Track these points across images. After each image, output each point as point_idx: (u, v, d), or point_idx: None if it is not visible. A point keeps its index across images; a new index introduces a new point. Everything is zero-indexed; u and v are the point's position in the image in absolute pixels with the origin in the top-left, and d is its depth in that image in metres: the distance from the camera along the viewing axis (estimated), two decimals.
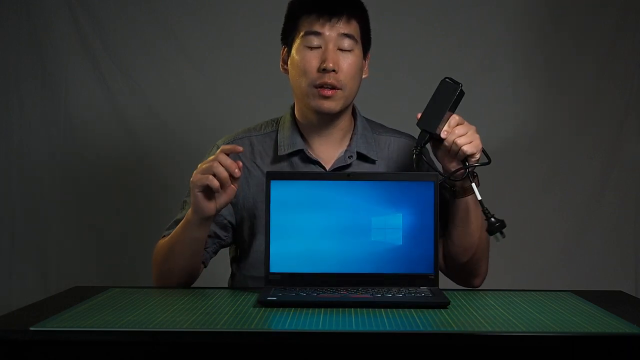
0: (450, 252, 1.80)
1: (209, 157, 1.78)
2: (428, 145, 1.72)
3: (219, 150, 1.66)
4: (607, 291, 1.77)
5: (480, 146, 1.68)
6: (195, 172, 1.66)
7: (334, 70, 1.76)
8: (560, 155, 2.99)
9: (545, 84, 2.99)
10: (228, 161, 1.63)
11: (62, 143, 2.94)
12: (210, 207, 1.67)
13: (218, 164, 1.63)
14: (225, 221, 1.84)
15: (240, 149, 1.69)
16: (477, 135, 1.68)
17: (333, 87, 1.77)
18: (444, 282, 1.65)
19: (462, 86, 1.68)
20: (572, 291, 1.67)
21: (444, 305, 1.48)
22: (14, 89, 2.94)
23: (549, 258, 2.98)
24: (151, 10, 2.94)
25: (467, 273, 1.82)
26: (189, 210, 1.71)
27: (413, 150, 1.70)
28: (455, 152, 1.67)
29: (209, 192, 1.66)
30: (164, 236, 1.82)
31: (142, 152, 2.95)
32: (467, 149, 1.66)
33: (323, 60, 1.76)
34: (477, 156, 1.68)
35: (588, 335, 1.31)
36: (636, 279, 3.00)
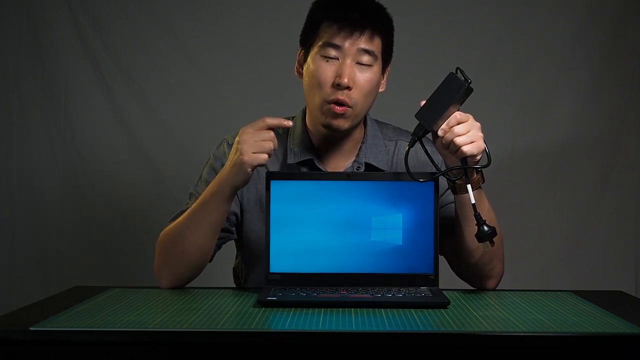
0: (461, 252, 1.73)
1: (216, 153, 1.80)
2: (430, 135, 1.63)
3: (266, 122, 1.62)
4: (607, 291, 1.77)
5: (482, 147, 1.58)
6: (246, 147, 1.60)
7: (348, 87, 1.70)
8: (560, 155, 2.99)
9: (545, 84, 2.99)
10: (276, 140, 1.62)
11: (62, 143, 2.94)
12: (250, 177, 1.65)
13: (273, 146, 1.61)
14: (234, 218, 1.82)
15: (290, 123, 1.65)
16: (480, 135, 1.58)
17: (344, 104, 1.71)
18: (444, 282, 1.65)
19: (470, 83, 1.57)
20: (572, 291, 1.67)
21: (444, 305, 1.48)
22: (14, 89, 2.94)
23: (549, 258, 2.99)
24: (151, 10, 2.94)
25: (478, 274, 1.74)
26: (217, 184, 1.66)
27: (408, 141, 1.62)
28: (453, 151, 1.59)
29: None
30: (170, 224, 1.76)
31: (142, 152, 2.95)
32: (466, 149, 1.56)
33: (338, 75, 1.70)
34: (478, 157, 1.59)
35: (588, 335, 1.31)
36: (636, 279, 3.00)
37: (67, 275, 2.90)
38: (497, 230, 1.62)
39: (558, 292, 1.66)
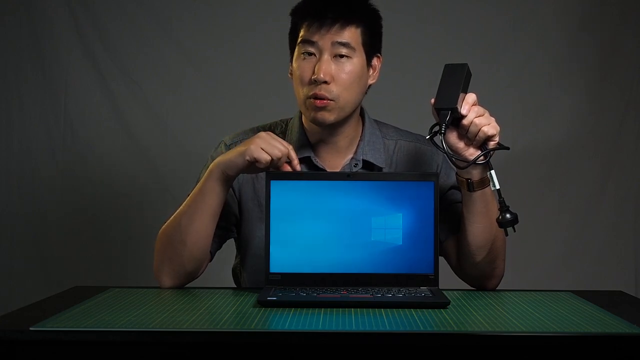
0: (465, 252, 1.73)
1: (214, 155, 1.79)
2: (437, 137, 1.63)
3: (288, 148, 1.64)
4: (607, 291, 1.77)
5: (498, 127, 1.62)
6: (259, 141, 1.63)
7: (325, 82, 1.70)
8: (561, 155, 2.99)
9: (546, 84, 2.99)
10: (292, 162, 1.64)
11: (62, 143, 2.94)
12: (243, 168, 1.66)
13: (283, 158, 1.63)
14: (233, 218, 1.82)
15: (299, 168, 1.67)
16: (493, 118, 1.63)
17: (324, 98, 1.72)
18: (444, 282, 1.65)
19: (468, 65, 1.62)
20: (572, 291, 1.67)
21: (444, 305, 1.48)
22: (14, 89, 2.94)
23: (549, 258, 2.99)
24: (151, 11, 2.95)
25: (481, 274, 1.74)
26: (211, 165, 1.68)
27: (436, 131, 1.61)
28: (474, 134, 1.61)
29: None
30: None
31: (142, 152, 2.96)
32: (488, 129, 1.60)
33: (315, 71, 1.71)
34: (497, 139, 1.62)
35: (588, 335, 1.31)
36: (636, 279, 3.00)
37: (67, 275, 2.90)
38: (501, 230, 1.64)
39: (558, 292, 1.66)
